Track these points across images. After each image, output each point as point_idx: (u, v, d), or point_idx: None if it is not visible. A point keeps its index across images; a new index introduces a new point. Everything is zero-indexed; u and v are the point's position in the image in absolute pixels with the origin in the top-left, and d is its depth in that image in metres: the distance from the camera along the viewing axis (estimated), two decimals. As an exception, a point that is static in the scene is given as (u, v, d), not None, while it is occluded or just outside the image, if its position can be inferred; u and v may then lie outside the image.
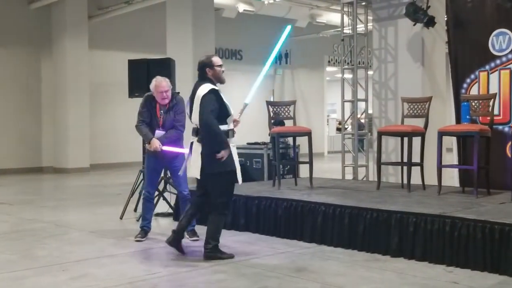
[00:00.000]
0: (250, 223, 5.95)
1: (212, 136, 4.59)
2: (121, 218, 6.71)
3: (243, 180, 7.75)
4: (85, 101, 13.49)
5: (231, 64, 17.04)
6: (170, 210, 6.68)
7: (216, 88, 4.66)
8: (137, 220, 6.41)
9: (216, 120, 4.57)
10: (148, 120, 5.39)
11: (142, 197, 5.71)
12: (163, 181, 6.74)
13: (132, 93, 6.96)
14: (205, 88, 4.62)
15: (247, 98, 5.02)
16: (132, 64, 7.12)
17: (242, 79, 18.39)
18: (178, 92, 5.74)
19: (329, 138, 19.85)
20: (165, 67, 6.70)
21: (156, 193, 6.25)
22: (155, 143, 5.28)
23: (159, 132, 5.38)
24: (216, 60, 4.77)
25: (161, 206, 6.86)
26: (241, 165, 8.35)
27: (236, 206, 6.07)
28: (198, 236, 5.36)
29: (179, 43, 11.01)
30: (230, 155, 4.68)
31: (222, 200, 4.74)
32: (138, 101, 5.69)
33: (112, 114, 14.38)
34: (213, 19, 11.44)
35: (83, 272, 4.39)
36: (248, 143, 8.89)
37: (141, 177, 6.93)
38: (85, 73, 13.49)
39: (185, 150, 5.30)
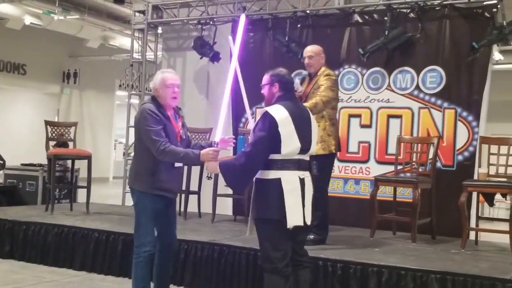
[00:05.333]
0: (15, 250, 5.55)
1: None
2: None
3: (14, 204, 7.28)
4: None
5: (13, 79, 15.84)
6: None
7: None
8: None
9: None
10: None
11: (142, 256, 3.63)
12: None
13: None
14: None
15: None
16: None
17: (25, 95, 17.19)
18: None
19: (116, 163, 19.45)
20: None
21: None
22: (213, 163, 3.55)
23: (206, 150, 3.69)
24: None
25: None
26: (12, 187, 7.91)
27: (1, 232, 5.62)
28: None
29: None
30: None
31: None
32: None
33: None
34: (-7, 28, 10.56)
35: None
36: (22, 164, 8.30)
37: None
38: None
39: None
